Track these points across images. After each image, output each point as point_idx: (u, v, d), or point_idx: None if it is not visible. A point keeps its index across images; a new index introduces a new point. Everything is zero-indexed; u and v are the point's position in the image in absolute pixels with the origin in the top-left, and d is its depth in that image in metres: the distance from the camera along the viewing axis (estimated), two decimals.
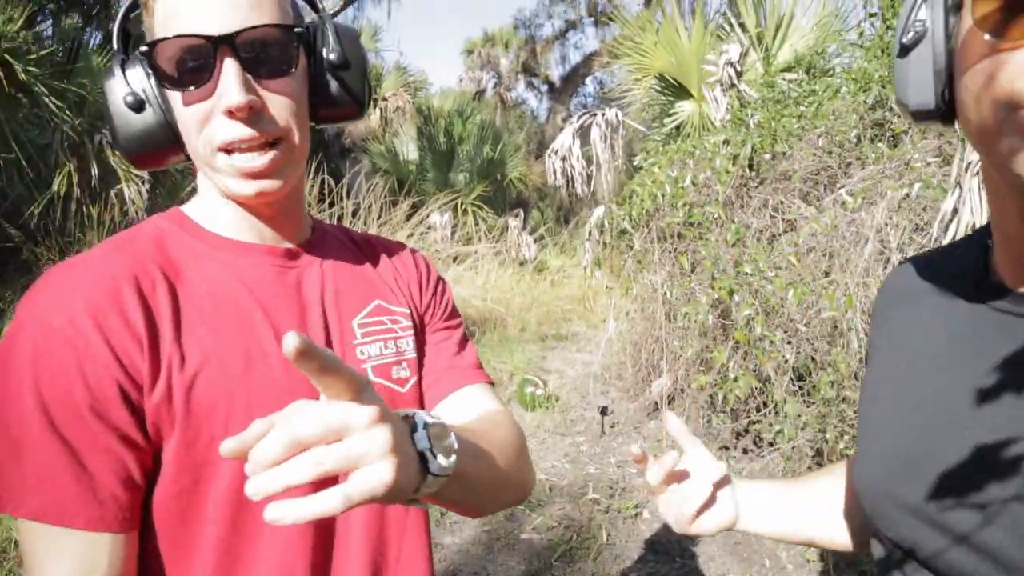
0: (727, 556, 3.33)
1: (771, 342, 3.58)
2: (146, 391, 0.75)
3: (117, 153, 6.54)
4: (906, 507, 0.66)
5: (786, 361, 3.57)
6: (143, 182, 6.39)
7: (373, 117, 14.26)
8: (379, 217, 8.62)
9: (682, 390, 4.55)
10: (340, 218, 7.92)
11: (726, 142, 4.36)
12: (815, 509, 0.97)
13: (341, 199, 8.14)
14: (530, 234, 11.94)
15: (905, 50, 0.63)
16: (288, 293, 0.88)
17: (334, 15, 8.91)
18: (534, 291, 10.05)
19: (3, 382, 0.73)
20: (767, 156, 4.21)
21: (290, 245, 0.92)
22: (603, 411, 5.12)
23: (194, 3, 0.76)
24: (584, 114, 7.28)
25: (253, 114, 0.77)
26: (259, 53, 0.78)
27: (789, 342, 3.62)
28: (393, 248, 1.08)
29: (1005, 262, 0.65)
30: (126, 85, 0.82)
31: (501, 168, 13.14)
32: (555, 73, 20.39)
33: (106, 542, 0.73)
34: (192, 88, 0.77)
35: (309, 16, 0.92)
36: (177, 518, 0.78)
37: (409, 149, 13.00)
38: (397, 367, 0.95)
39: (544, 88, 20.98)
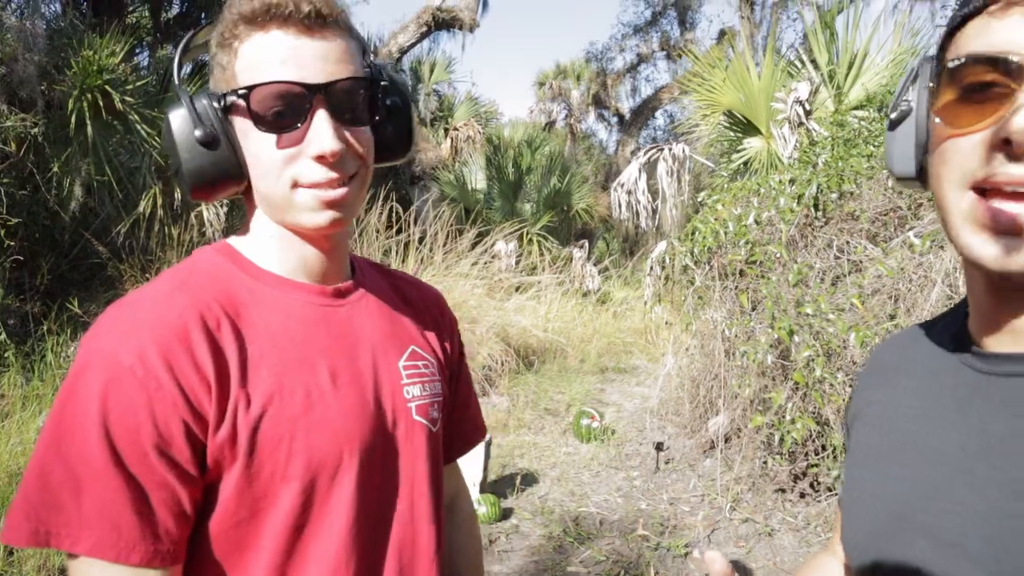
0: None
1: (831, 384, 3.52)
2: (211, 430, 0.79)
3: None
4: (895, 564, 0.69)
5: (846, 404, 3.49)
6: (221, 205, 6.68)
7: (444, 146, 14.56)
8: (444, 244, 8.79)
9: (739, 430, 4.48)
10: (407, 245, 8.10)
11: (792, 181, 4.33)
12: None
13: (408, 226, 8.33)
14: (594, 265, 11.95)
15: (893, 125, 0.69)
16: (340, 332, 0.92)
17: (409, 48, 9.14)
18: (596, 322, 10.03)
19: (68, 417, 0.75)
20: (833, 196, 4.16)
21: (338, 284, 0.96)
22: (659, 447, 5.07)
23: (290, 52, 0.81)
24: (651, 148, 7.32)
25: (338, 159, 0.84)
26: (346, 102, 0.84)
27: (850, 385, 3.55)
28: (424, 291, 1.14)
29: (978, 327, 0.69)
30: (199, 121, 0.86)
31: (567, 199, 13.21)
32: (625, 105, 20.47)
33: None
34: (285, 132, 0.83)
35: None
36: (234, 545, 0.83)
37: (478, 178, 13.21)
38: (431, 408, 1.00)
39: (614, 120, 21.06)
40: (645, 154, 7.30)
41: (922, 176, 0.69)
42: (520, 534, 4.01)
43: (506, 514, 4.20)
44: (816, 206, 4.16)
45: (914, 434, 0.73)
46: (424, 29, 13.26)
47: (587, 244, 12.33)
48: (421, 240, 8.64)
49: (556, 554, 3.75)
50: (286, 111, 0.82)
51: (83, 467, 0.74)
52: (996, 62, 0.57)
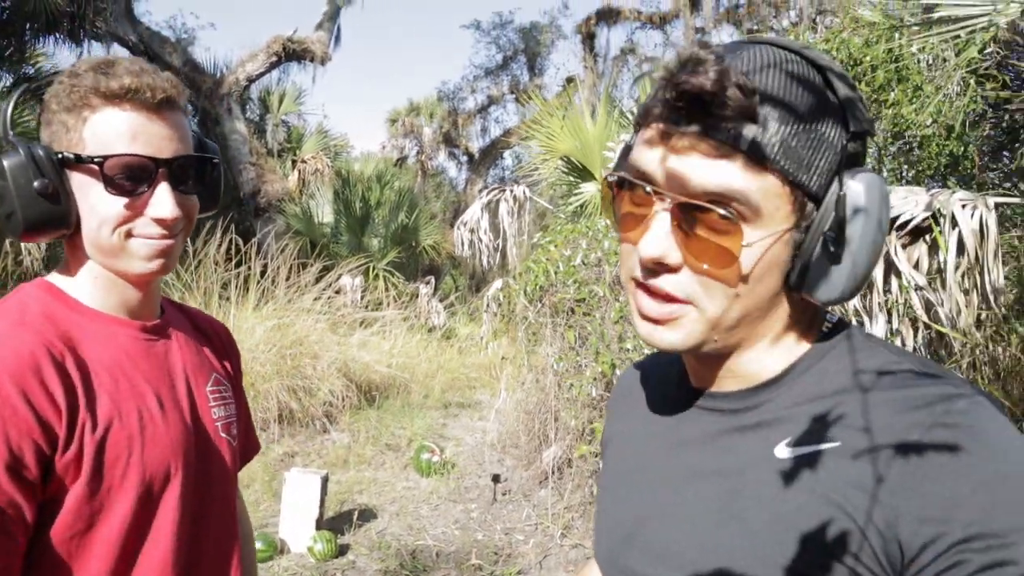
0: None
1: None
2: (60, 450, 0.89)
3: None
4: (631, 570, 0.79)
5: None
6: None
7: (291, 178, 14.30)
8: (288, 278, 8.61)
9: (570, 460, 4.70)
10: (247, 278, 7.87)
11: None
12: None
13: (250, 258, 8.10)
14: (440, 301, 12.08)
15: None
16: (159, 364, 1.06)
17: (258, 76, 9.00)
18: (440, 358, 10.12)
19: None
20: None
21: (154, 321, 1.09)
22: (495, 479, 5.21)
23: (141, 130, 0.96)
24: (493, 189, 7.56)
25: (174, 221, 0.99)
26: (182, 175, 1.00)
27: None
28: (214, 324, 1.29)
29: (688, 368, 0.82)
30: (39, 173, 0.95)
31: (415, 235, 13.32)
32: (475, 145, 20.96)
33: None
34: (132, 196, 0.96)
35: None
36: (67, 556, 0.91)
37: (325, 212, 13.06)
38: (232, 426, 1.17)
39: (464, 159, 21.50)
40: (488, 194, 7.54)
41: None
42: (356, 570, 3.99)
43: (343, 550, 4.17)
44: None
45: (642, 460, 0.84)
46: (274, 59, 13.07)
47: (433, 280, 12.47)
48: (263, 274, 8.43)
49: None
50: (135, 179, 0.96)
51: None
52: (638, 183, 0.69)
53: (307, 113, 16.23)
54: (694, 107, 0.64)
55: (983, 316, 3.08)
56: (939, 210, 3.01)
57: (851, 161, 0.69)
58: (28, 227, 0.96)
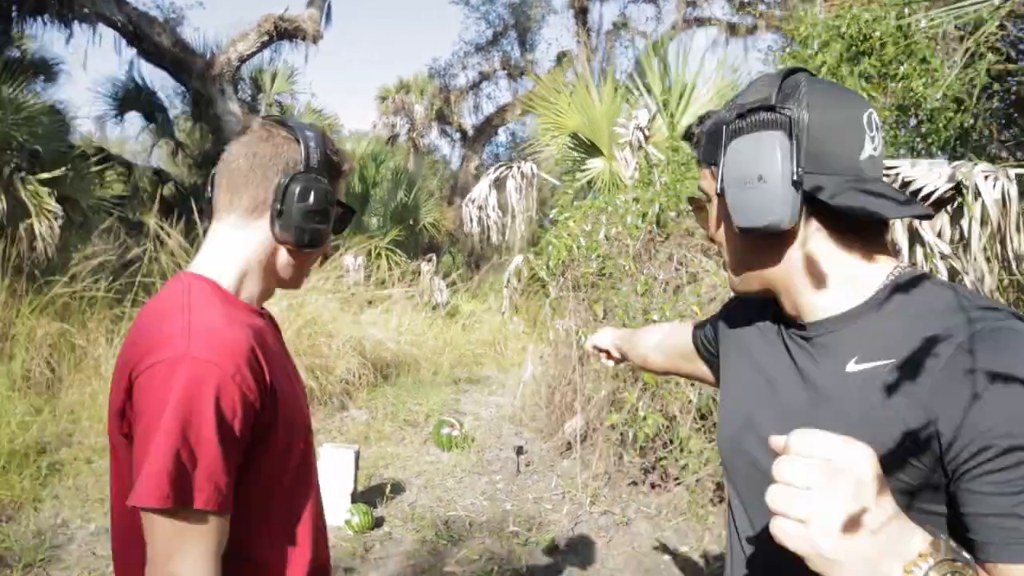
0: None
1: (676, 384, 3.93)
2: (264, 416, 1.11)
3: (28, 187, 6.44)
4: (743, 454, 1.02)
5: (690, 401, 3.91)
6: (55, 218, 6.27)
7: None
8: None
9: (594, 429, 4.84)
10: None
11: (636, 200, 4.76)
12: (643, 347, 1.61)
13: None
14: (442, 279, 12.16)
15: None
16: (278, 342, 1.32)
17: (250, 56, 8.98)
18: (446, 335, 10.24)
19: (196, 410, 1.01)
20: (672, 214, 4.63)
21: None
22: (519, 451, 5.35)
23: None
24: (501, 166, 7.62)
25: None
26: None
27: (692, 384, 3.98)
28: None
29: (785, 307, 1.02)
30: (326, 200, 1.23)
31: (415, 213, 13.36)
32: (468, 122, 20.85)
33: (225, 520, 1.06)
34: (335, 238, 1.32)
35: None
36: (272, 496, 1.18)
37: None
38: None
39: (457, 136, 21.41)
40: (495, 171, 7.60)
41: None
42: (393, 540, 4.12)
43: (378, 522, 4.30)
44: (658, 223, 4.61)
45: (754, 367, 1.06)
46: (265, 38, 12.96)
47: (435, 258, 12.53)
48: None
49: (431, 556, 3.90)
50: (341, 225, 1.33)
51: (201, 447, 1.01)
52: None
53: (299, 92, 16.12)
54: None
55: (1005, 282, 3.22)
56: (962, 181, 3.13)
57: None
58: (315, 243, 1.26)
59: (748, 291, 1.01)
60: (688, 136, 1.05)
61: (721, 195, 0.95)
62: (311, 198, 1.20)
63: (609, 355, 1.73)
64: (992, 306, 0.82)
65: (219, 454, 1.02)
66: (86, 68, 24.51)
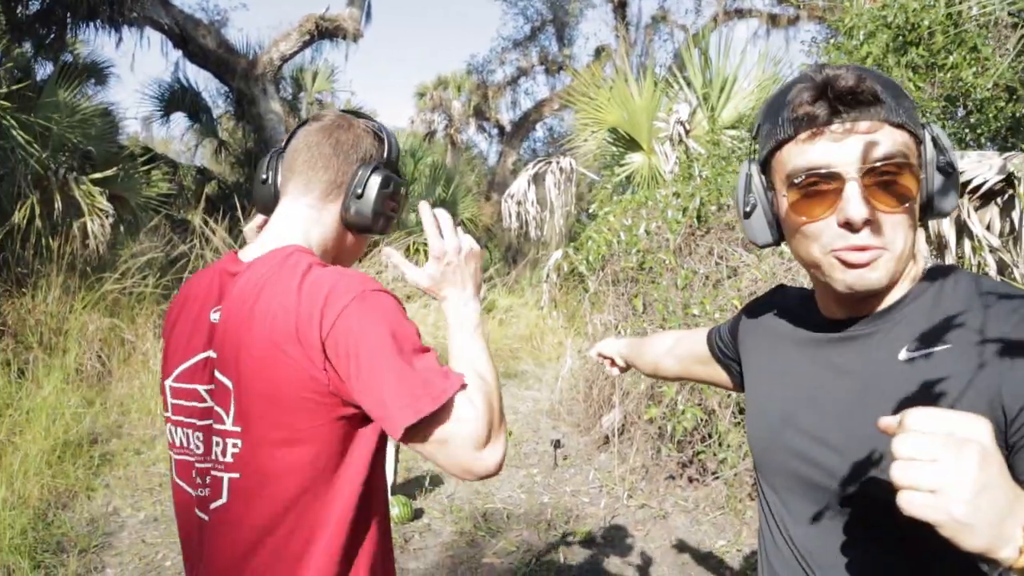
0: (676, 574, 3.59)
1: None
2: None
3: (82, 187, 6.63)
4: (783, 450, 1.04)
5: (729, 395, 3.88)
6: (106, 216, 6.45)
7: None
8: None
9: (632, 423, 4.83)
10: None
11: (676, 195, 4.73)
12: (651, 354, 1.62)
13: None
14: None
15: (747, 215, 1.06)
16: None
17: (291, 56, 9.06)
18: (483, 330, 10.27)
19: (404, 331, 1.08)
20: (713, 208, 4.59)
21: None
22: (556, 444, 5.36)
23: None
24: (540, 161, 7.63)
25: None
26: None
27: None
28: None
29: (824, 307, 1.06)
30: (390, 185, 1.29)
31: (453, 209, 13.42)
32: (506, 117, 20.91)
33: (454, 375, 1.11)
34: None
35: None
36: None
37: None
38: None
39: (495, 132, 21.49)
40: (534, 166, 7.62)
41: (778, 242, 1.07)
42: (432, 532, 4.17)
43: (417, 514, 4.35)
44: (698, 217, 4.57)
45: (789, 364, 1.08)
46: (307, 38, 13.13)
47: None
48: None
49: (469, 548, 3.93)
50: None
51: (417, 357, 1.06)
52: (823, 172, 0.91)
53: (339, 91, 16.29)
54: (843, 102, 0.89)
55: None
56: (1013, 173, 3.06)
57: None
58: (378, 227, 1.30)
59: (885, 283, 0.93)
60: (844, 90, 0.90)
61: (920, 170, 0.93)
62: (391, 187, 1.27)
63: (613, 363, 1.76)
64: (1021, 293, 0.88)
65: (428, 355, 1.08)
66: (133, 70, 25.21)
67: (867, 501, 0.92)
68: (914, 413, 0.70)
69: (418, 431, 1.03)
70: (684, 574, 3.61)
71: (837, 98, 0.89)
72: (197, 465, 1.19)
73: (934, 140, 0.93)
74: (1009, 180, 3.07)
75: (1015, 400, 0.80)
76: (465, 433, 1.04)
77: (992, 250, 3.07)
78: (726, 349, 1.35)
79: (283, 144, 1.34)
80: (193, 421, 1.20)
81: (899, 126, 0.90)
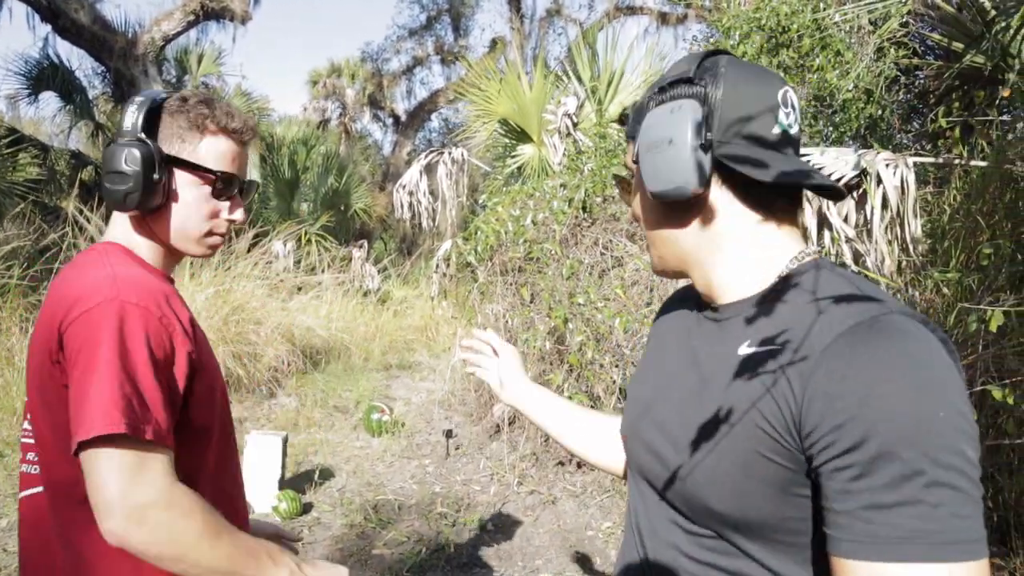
0: (563, 556, 3.69)
1: (601, 365, 4.02)
2: (193, 357, 1.17)
3: None
4: (639, 440, 1.05)
5: (614, 382, 4.01)
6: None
7: None
8: (221, 246, 8.46)
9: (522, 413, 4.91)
10: None
11: (563, 186, 4.84)
12: (594, 433, 1.36)
13: None
14: (373, 265, 12.07)
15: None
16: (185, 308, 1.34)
17: (175, 36, 8.74)
18: (377, 321, 10.19)
19: (133, 348, 1.06)
20: (598, 200, 4.71)
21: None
22: (448, 434, 5.38)
23: (238, 157, 1.32)
24: (431, 151, 7.61)
25: (241, 224, 1.36)
26: (248, 192, 1.37)
27: (616, 365, 4.08)
28: None
29: (699, 287, 1.05)
30: (157, 169, 1.21)
31: (346, 199, 13.21)
32: (401, 107, 20.70)
33: (171, 460, 1.07)
34: (223, 201, 1.30)
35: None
36: (199, 432, 1.21)
37: (252, 176, 12.76)
38: None
39: (389, 121, 21.22)
40: (426, 157, 7.59)
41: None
42: (322, 525, 4.12)
43: (306, 508, 4.28)
44: (584, 208, 4.69)
45: (663, 354, 1.09)
46: (192, 18, 12.59)
47: (366, 244, 12.42)
48: None
49: (360, 540, 3.91)
50: (228, 190, 1.30)
51: (141, 382, 1.05)
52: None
53: (227, 75, 15.69)
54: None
55: (903, 263, 3.40)
56: (866, 169, 3.30)
57: None
58: (139, 205, 1.22)
59: (666, 270, 1.03)
60: (623, 119, 1.05)
61: (636, 162, 0.95)
62: (116, 159, 1.21)
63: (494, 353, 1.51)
64: (879, 297, 0.84)
65: (157, 389, 1.06)
66: None
67: (687, 495, 0.92)
68: None
69: (92, 457, 1.00)
70: (570, 555, 3.72)
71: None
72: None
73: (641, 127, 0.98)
74: (863, 175, 3.30)
75: (815, 415, 0.76)
76: (116, 489, 0.98)
77: (848, 240, 3.30)
78: None
79: None
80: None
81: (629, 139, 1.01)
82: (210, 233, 1.31)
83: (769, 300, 0.91)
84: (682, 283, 1.23)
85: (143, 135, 1.22)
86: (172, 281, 1.33)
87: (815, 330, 0.81)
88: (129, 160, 1.19)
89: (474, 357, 1.51)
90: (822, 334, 0.80)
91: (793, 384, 0.79)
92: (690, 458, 0.90)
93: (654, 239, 1.01)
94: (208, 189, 1.28)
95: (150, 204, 1.23)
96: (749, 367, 0.86)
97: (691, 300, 1.09)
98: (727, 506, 0.86)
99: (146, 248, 1.29)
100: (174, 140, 1.25)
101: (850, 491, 0.73)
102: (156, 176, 1.21)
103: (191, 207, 1.27)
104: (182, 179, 1.26)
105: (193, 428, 1.18)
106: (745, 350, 0.88)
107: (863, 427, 0.72)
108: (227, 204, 1.31)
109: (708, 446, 0.88)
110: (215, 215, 1.30)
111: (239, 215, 1.33)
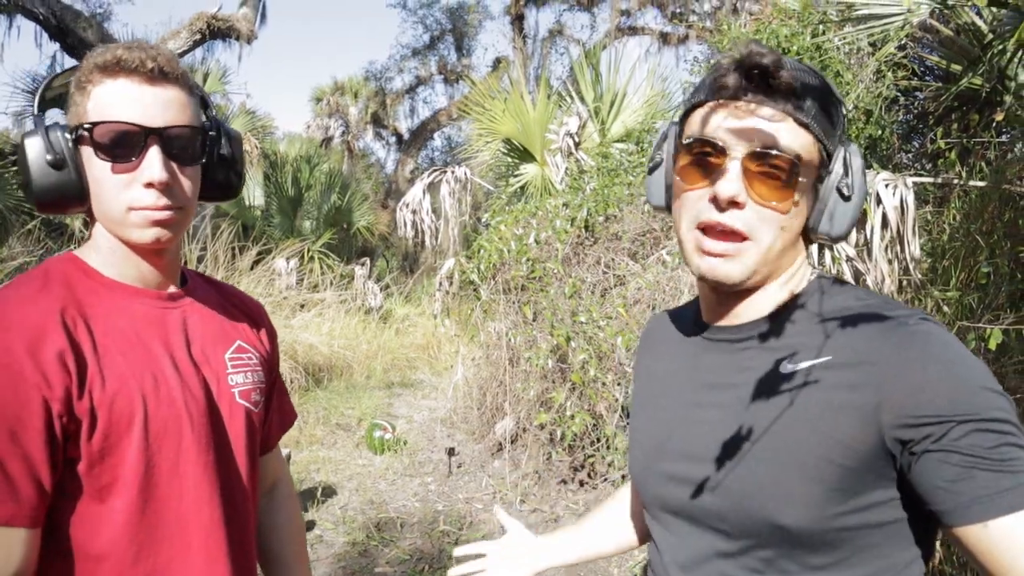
0: (564, 575, 3.69)
1: (603, 383, 4.04)
2: (74, 406, 0.94)
3: None
4: (660, 473, 1.02)
5: (616, 400, 4.03)
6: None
7: None
8: (224, 263, 8.52)
9: (524, 429, 4.93)
10: (185, 263, 7.76)
11: (565, 205, 4.88)
12: (602, 530, 1.32)
13: (186, 243, 7.98)
14: (376, 283, 12.10)
15: (651, 171, 1.05)
16: (175, 329, 1.11)
17: (181, 55, 8.84)
18: (380, 339, 10.21)
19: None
20: (600, 219, 4.75)
21: (172, 289, 1.14)
22: (450, 452, 5.39)
23: (133, 98, 1.00)
24: (435, 170, 7.65)
25: (166, 187, 1.02)
26: (176, 144, 1.04)
27: (619, 383, 4.10)
28: (247, 299, 1.36)
29: (705, 313, 1.03)
30: (51, 148, 1.01)
31: (348, 217, 13.26)
32: (403, 125, 20.86)
33: (21, 536, 0.91)
34: (119, 161, 1.01)
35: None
36: (87, 510, 0.99)
37: (255, 194, 12.83)
38: (254, 392, 1.22)
39: (392, 139, 21.37)
40: (429, 175, 7.63)
41: (669, 208, 1.03)
42: (324, 543, 4.12)
43: (309, 526, 4.29)
44: (586, 227, 4.73)
45: (667, 386, 1.07)
46: (198, 37, 12.69)
47: (368, 262, 12.45)
48: (200, 259, 8.32)
49: (362, 558, 3.92)
50: (124, 145, 1.00)
51: None
52: (712, 143, 0.90)
53: (233, 92, 15.79)
54: (755, 80, 0.88)
55: (903, 282, 3.43)
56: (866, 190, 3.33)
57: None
58: (40, 197, 1.02)
59: (744, 282, 0.93)
60: (756, 68, 0.88)
61: (816, 180, 0.92)
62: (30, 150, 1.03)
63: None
64: (892, 305, 0.89)
65: (13, 455, 0.90)
66: (3, 61, 23.49)
67: (745, 515, 0.90)
68: None
69: None
70: (573, 573, 3.72)
71: (748, 75, 0.88)
72: None
73: (844, 160, 0.91)
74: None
75: (895, 418, 0.80)
76: None
77: (848, 260, 3.32)
78: None
79: None
80: None
81: (804, 126, 0.89)
82: (131, 209, 1.02)
83: (787, 317, 0.94)
84: (650, 319, 1.25)
85: (39, 115, 1.05)
86: (146, 293, 1.10)
87: (857, 339, 0.86)
88: (24, 152, 1.02)
89: None
90: (870, 341, 0.85)
91: (865, 392, 0.83)
92: (746, 477, 0.90)
93: (772, 253, 0.92)
94: (92, 153, 1.01)
95: (54, 195, 1.03)
96: (802, 382, 0.87)
97: (670, 335, 1.11)
98: (794, 518, 0.86)
99: (107, 252, 1.08)
100: (72, 108, 1.04)
101: (958, 464, 0.78)
102: (49, 159, 1.01)
103: (100, 184, 1.02)
104: (84, 154, 1.03)
105: (91, 487, 0.98)
106: (789, 367, 0.89)
107: (951, 407, 0.79)
108: (136, 164, 1.01)
109: (768, 461, 0.88)
110: (124, 185, 1.01)
111: (155, 172, 1.00)
